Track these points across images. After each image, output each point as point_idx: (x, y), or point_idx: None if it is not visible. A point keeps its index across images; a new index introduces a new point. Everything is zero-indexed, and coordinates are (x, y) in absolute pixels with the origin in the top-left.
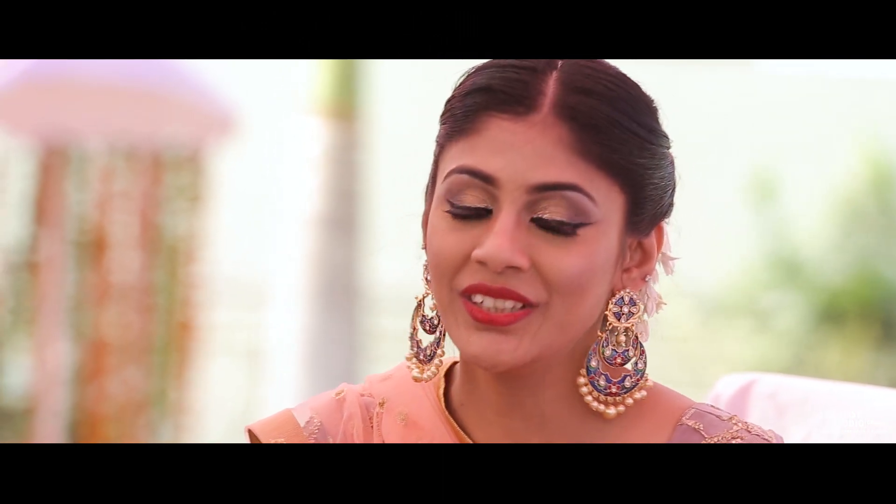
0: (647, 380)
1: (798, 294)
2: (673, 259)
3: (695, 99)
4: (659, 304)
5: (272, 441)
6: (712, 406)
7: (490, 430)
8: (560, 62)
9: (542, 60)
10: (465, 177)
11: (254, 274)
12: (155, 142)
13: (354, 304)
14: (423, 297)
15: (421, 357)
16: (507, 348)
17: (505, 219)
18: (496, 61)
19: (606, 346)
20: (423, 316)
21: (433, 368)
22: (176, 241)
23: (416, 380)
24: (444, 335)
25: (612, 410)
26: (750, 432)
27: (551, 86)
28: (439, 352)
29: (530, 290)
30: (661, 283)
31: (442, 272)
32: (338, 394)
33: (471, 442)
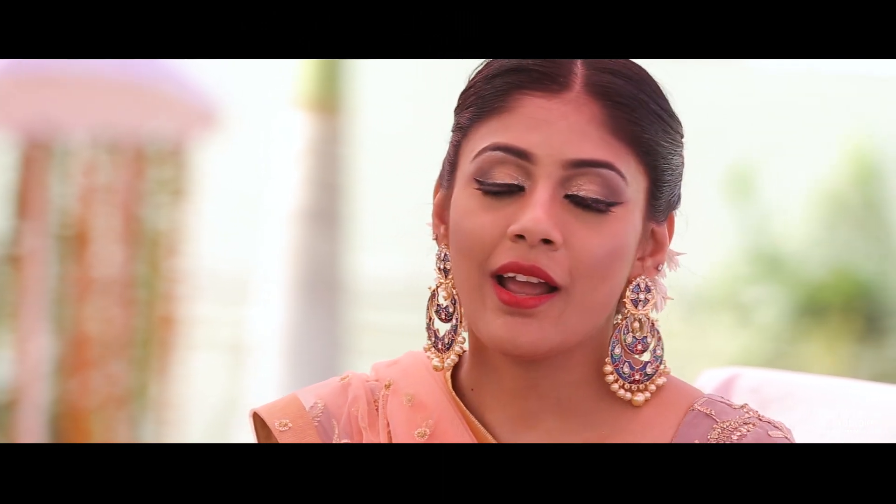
0: (665, 366)
1: (780, 288)
2: (678, 254)
3: (676, 93)
4: (665, 298)
5: (277, 423)
6: (721, 397)
7: (504, 411)
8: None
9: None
10: (498, 154)
11: (236, 268)
12: (138, 135)
13: (337, 298)
14: (437, 287)
15: (439, 346)
16: (530, 332)
17: (541, 193)
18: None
19: (627, 334)
20: (439, 305)
21: (453, 356)
22: (158, 234)
23: (436, 369)
24: (460, 322)
25: (640, 397)
26: (761, 420)
27: (580, 66)
28: (459, 339)
29: (557, 271)
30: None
31: (475, 253)
32: (343, 378)
33: (477, 423)
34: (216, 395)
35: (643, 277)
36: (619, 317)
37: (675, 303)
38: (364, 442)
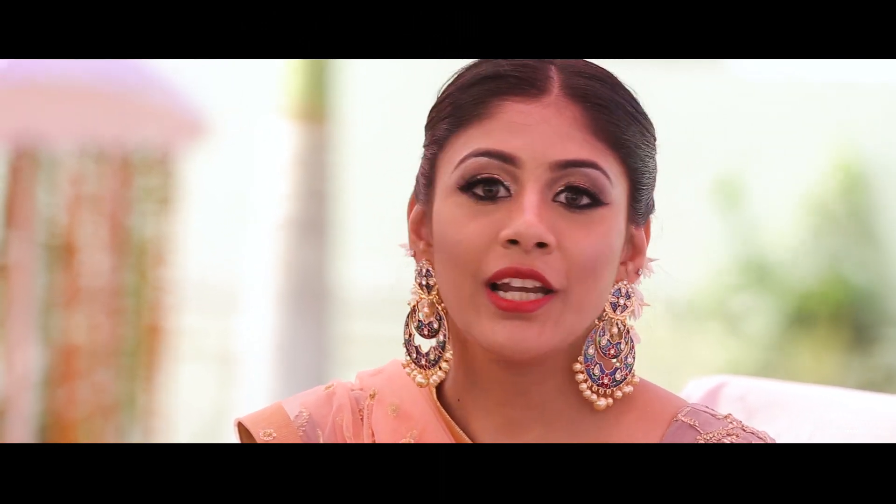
0: (634, 375)
1: (768, 297)
2: (651, 260)
3: (664, 102)
4: (642, 305)
5: (262, 433)
6: (707, 406)
7: (488, 420)
8: (552, 60)
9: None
10: (483, 159)
11: (224, 277)
12: (124, 144)
13: (325, 308)
14: (417, 303)
15: (423, 363)
16: (531, 335)
17: (531, 196)
18: (488, 60)
19: (603, 336)
20: (420, 321)
21: (440, 373)
22: (146, 243)
23: (420, 385)
24: (447, 338)
25: (602, 402)
26: (745, 430)
27: (555, 71)
28: (446, 355)
29: (553, 274)
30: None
31: (465, 262)
32: (327, 387)
33: (462, 433)
34: (204, 404)
35: (625, 283)
36: (597, 319)
37: (663, 312)
38: None
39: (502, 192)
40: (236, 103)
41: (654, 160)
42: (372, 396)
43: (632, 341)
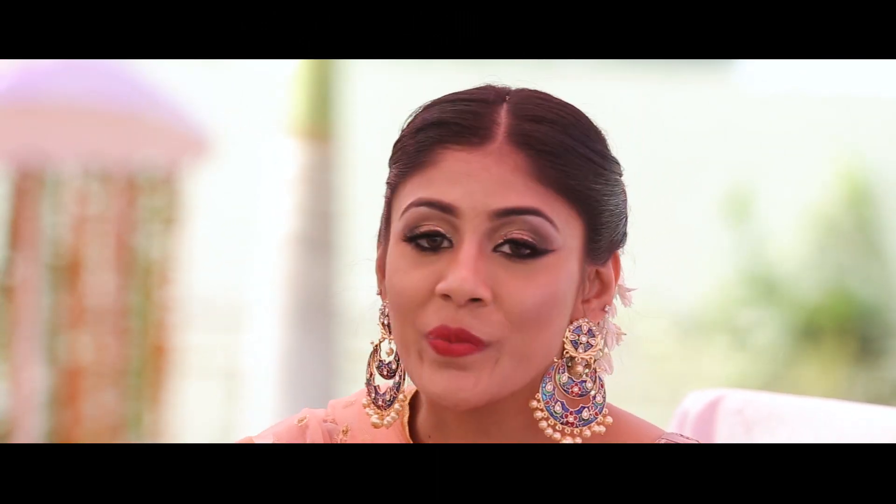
0: (606, 415)
1: (775, 311)
2: (630, 290)
3: (671, 117)
4: (619, 336)
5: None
6: (681, 434)
7: None
8: (509, 92)
9: (491, 91)
10: (423, 209)
11: (230, 295)
12: (129, 164)
13: (331, 325)
14: (380, 343)
15: (379, 403)
16: (467, 385)
17: (468, 249)
18: (446, 96)
19: (563, 373)
20: (381, 361)
21: (393, 414)
22: (151, 263)
23: (375, 426)
24: (403, 379)
25: (567, 441)
26: None
27: (503, 115)
28: (400, 397)
29: (485, 330)
30: (637, 300)
31: (405, 311)
32: (300, 420)
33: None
34: (211, 423)
35: (585, 320)
36: (556, 357)
37: (670, 326)
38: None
39: (445, 243)
40: (241, 122)
41: (617, 197)
42: (345, 432)
43: (601, 380)
